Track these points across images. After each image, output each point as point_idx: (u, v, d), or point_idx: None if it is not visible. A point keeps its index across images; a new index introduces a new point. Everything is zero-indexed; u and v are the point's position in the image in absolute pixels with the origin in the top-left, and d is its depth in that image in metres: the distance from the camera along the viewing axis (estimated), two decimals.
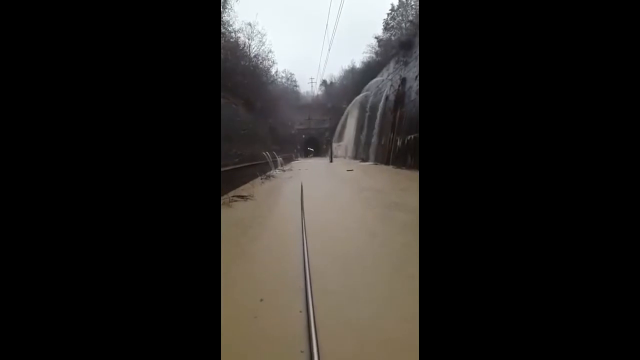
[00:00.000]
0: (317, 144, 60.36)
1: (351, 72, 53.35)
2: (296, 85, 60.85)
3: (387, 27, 34.83)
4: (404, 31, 29.09)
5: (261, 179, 14.95)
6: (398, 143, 22.39)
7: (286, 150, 36.18)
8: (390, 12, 34.94)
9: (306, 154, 53.84)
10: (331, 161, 35.42)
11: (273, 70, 30.07)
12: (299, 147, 54.69)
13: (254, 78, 22.99)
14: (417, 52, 22.13)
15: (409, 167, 18.80)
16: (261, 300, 3.21)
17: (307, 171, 20.83)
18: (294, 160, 39.58)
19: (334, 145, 49.51)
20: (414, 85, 21.95)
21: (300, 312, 2.98)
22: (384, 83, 30.52)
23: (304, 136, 60.08)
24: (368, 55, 41.33)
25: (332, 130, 56.14)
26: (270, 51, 32.38)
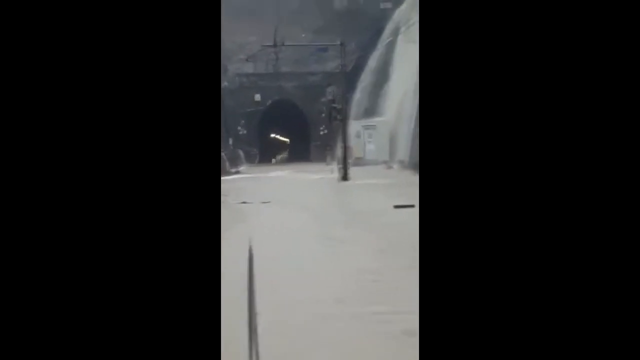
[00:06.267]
0: (301, 126, 25.71)
1: None
2: None
3: None
4: None
5: None
6: None
7: None
8: None
9: (267, 155, 23.84)
10: (345, 178, 16.50)
11: None
12: (243, 132, 22.89)
13: None
14: None
15: None
16: None
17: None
18: (229, 174, 18.80)
19: (355, 127, 20.90)
20: None
21: None
22: None
23: (258, 98, 23.13)
24: None
25: (351, 81, 21.95)
26: None
